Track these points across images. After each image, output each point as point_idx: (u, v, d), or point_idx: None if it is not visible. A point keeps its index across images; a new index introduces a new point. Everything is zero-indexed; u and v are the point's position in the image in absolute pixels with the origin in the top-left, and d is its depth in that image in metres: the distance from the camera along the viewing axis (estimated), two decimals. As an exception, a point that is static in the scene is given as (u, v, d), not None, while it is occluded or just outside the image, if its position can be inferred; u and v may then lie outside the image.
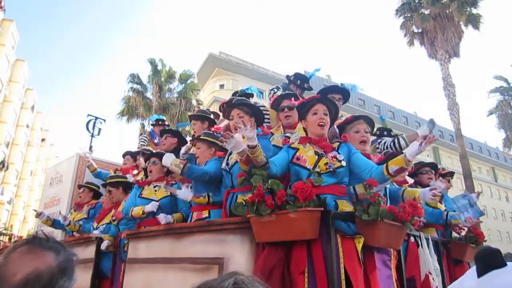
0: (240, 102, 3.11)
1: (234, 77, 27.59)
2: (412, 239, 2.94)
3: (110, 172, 5.39)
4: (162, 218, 3.14)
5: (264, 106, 3.81)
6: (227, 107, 3.03)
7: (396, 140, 3.53)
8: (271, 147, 2.82)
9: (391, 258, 2.37)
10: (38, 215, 4.85)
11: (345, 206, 2.29)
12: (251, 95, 4.35)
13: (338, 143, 2.52)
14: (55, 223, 4.92)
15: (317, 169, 2.34)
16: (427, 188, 2.83)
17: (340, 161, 2.35)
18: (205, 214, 2.93)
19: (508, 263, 1.39)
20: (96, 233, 4.16)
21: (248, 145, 2.24)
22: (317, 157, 2.39)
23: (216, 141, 3.27)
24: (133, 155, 5.18)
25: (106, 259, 4.03)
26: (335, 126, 2.90)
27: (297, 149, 2.50)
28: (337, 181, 2.35)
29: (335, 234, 2.09)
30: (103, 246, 3.85)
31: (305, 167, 2.38)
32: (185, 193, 2.93)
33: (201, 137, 3.32)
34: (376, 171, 2.28)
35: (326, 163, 2.34)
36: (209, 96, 27.14)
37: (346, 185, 2.41)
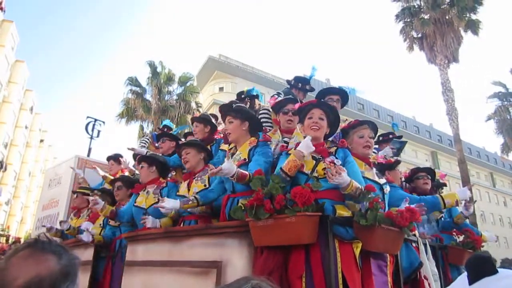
0: (228, 109, 3.07)
1: (234, 80, 27.62)
2: (414, 244, 2.95)
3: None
4: (150, 221, 3.14)
5: (267, 109, 3.80)
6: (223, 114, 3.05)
7: None
8: (271, 154, 2.83)
9: (387, 264, 2.37)
10: (48, 230, 4.71)
11: (343, 211, 2.29)
12: (256, 97, 4.34)
13: (335, 148, 2.53)
14: (63, 235, 4.85)
15: (315, 174, 2.35)
16: (464, 188, 3.03)
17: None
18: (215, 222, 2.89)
19: (499, 270, 1.39)
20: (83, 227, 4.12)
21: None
22: (314, 162, 2.40)
23: (205, 148, 3.30)
24: (116, 159, 5.18)
25: (101, 261, 4.02)
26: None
27: None
28: (335, 186, 2.35)
29: (333, 239, 2.09)
30: (85, 237, 3.77)
31: (303, 172, 2.39)
32: (173, 203, 2.76)
33: (191, 143, 3.30)
34: None
35: (324, 168, 2.34)
36: (208, 98, 27.15)
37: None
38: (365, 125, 2.76)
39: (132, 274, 3.12)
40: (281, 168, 2.36)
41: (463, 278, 1.45)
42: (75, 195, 5.05)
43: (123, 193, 4.15)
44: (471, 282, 1.38)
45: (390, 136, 4.14)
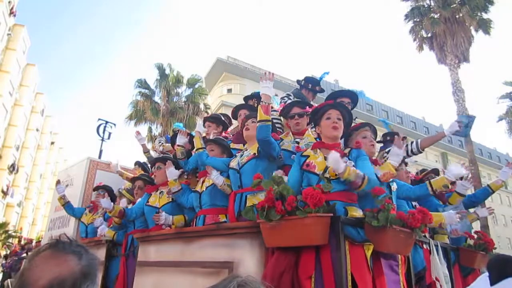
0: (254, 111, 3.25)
1: (242, 82, 27.66)
2: (425, 246, 2.94)
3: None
4: (163, 218, 3.27)
5: (276, 112, 3.82)
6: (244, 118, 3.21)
7: (410, 147, 3.55)
8: (279, 150, 2.92)
9: (399, 263, 2.37)
10: (57, 183, 5.01)
11: (355, 213, 2.29)
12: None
13: (349, 149, 2.54)
14: (66, 206, 4.98)
15: (327, 175, 2.35)
16: (452, 211, 2.76)
17: None
18: (222, 218, 2.96)
19: None
20: (98, 222, 4.20)
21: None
22: (327, 162, 2.41)
23: (229, 149, 3.38)
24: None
25: (114, 261, 4.07)
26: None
27: (307, 156, 2.52)
28: (347, 187, 2.36)
29: (344, 240, 2.09)
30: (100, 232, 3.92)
31: (315, 173, 2.40)
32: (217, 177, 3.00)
33: (217, 141, 3.39)
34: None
35: None
36: (217, 100, 27.23)
37: (356, 192, 2.42)
38: (366, 127, 2.91)
39: (144, 274, 3.15)
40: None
41: (484, 278, 1.45)
42: (97, 191, 5.11)
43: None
44: (493, 282, 1.38)
45: (388, 138, 4.13)
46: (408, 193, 2.85)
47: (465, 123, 3.54)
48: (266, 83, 2.71)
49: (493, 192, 3.83)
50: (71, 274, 0.94)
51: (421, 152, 3.54)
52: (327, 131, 2.54)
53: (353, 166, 2.36)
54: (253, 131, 2.95)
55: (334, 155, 2.17)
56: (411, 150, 3.52)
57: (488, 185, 3.86)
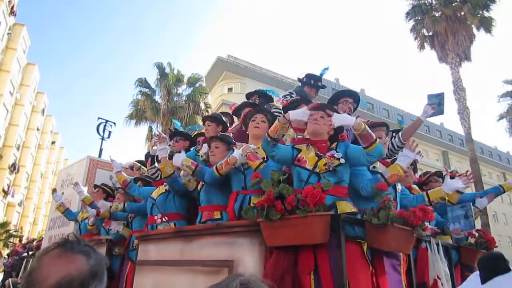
0: (268, 110, 3.20)
1: (243, 81, 27.63)
2: (423, 244, 2.92)
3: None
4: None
5: (278, 108, 3.80)
6: (253, 109, 3.12)
7: (393, 143, 3.52)
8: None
9: (401, 263, 2.37)
10: (53, 191, 5.07)
11: (346, 207, 2.29)
12: (265, 95, 4.31)
13: (336, 143, 2.55)
14: (67, 213, 5.04)
15: (317, 170, 2.36)
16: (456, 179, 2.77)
17: (338, 159, 2.37)
18: (217, 215, 2.94)
19: None
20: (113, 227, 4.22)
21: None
22: (317, 158, 2.42)
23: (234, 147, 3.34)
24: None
25: (115, 259, 4.08)
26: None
27: (299, 151, 2.52)
28: (337, 180, 2.35)
29: (344, 237, 2.08)
30: (114, 229, 3.91)
31: (305, 168, 2.41)
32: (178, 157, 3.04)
33: (222, 138, 3.34)
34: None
35: (325, 164, 2.36)
36: (217, 99, 27.21)
37: (346, 185, 2.41)
38: (384, 127, 2.93)
39: (144, 273, 3.15)
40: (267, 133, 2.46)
41: (475, 277, 1.43)
42: (95, 189, 5.13)
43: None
44: (483, 281, 1.37)
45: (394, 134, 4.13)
46: (406, 202, 2.83)
47: (437, 102, 3.41)
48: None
49: (504, 192, 3.81)
50: (80, 273, 0.94)
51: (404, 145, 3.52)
52: (309, 125, 2.56)
53: (341, 158, 2.38)
54: (263, 131, 2.86)
55: (338, 114, 2.28)
56: (396, 145, 3.50)
57: (500, 185, 3.84)
